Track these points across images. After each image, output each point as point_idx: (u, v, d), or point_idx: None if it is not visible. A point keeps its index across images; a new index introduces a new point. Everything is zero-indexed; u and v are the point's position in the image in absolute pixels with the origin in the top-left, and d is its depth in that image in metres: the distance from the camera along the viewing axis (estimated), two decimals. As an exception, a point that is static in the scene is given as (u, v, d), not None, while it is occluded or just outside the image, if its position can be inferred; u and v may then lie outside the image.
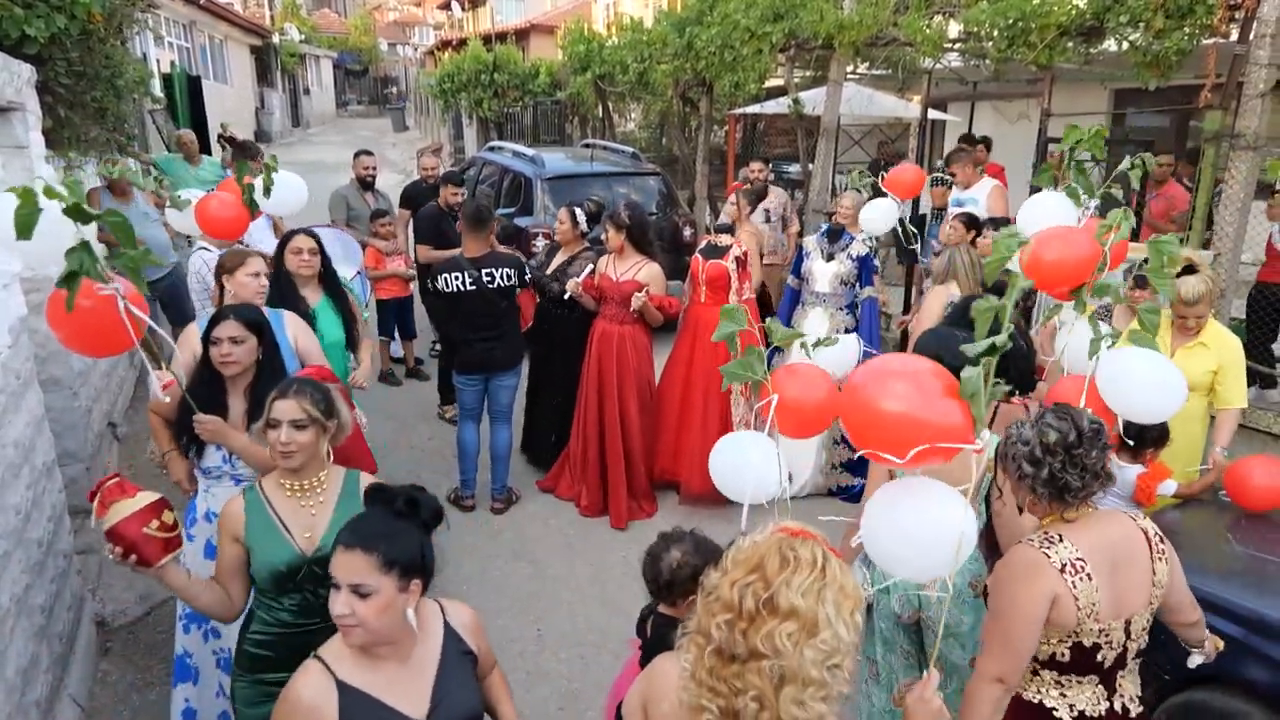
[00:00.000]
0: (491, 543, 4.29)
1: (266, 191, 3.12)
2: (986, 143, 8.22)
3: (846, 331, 4.85)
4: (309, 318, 3.41)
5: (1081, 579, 1.77)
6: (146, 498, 1.89)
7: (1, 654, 2.38)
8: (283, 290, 3.43)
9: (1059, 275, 2.35)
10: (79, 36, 3.93)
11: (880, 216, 4.73)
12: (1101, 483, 1.83)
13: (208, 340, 2.51)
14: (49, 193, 1.88)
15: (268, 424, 2.03)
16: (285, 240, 3.61)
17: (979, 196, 5.48)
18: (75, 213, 1.91)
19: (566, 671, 3.35)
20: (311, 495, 2.09)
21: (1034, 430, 1.85)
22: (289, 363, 2.96)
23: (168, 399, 2.39)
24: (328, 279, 3.67)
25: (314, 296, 3.61)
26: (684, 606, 1.95)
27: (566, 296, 4.45)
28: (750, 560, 1.34)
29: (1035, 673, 1.91)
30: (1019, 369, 2.46)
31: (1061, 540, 1.81)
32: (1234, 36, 4.25)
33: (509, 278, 4.31)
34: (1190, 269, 3.22)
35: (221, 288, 3.18)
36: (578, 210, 4.77)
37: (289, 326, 3.12)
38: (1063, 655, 1.85)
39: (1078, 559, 1.78)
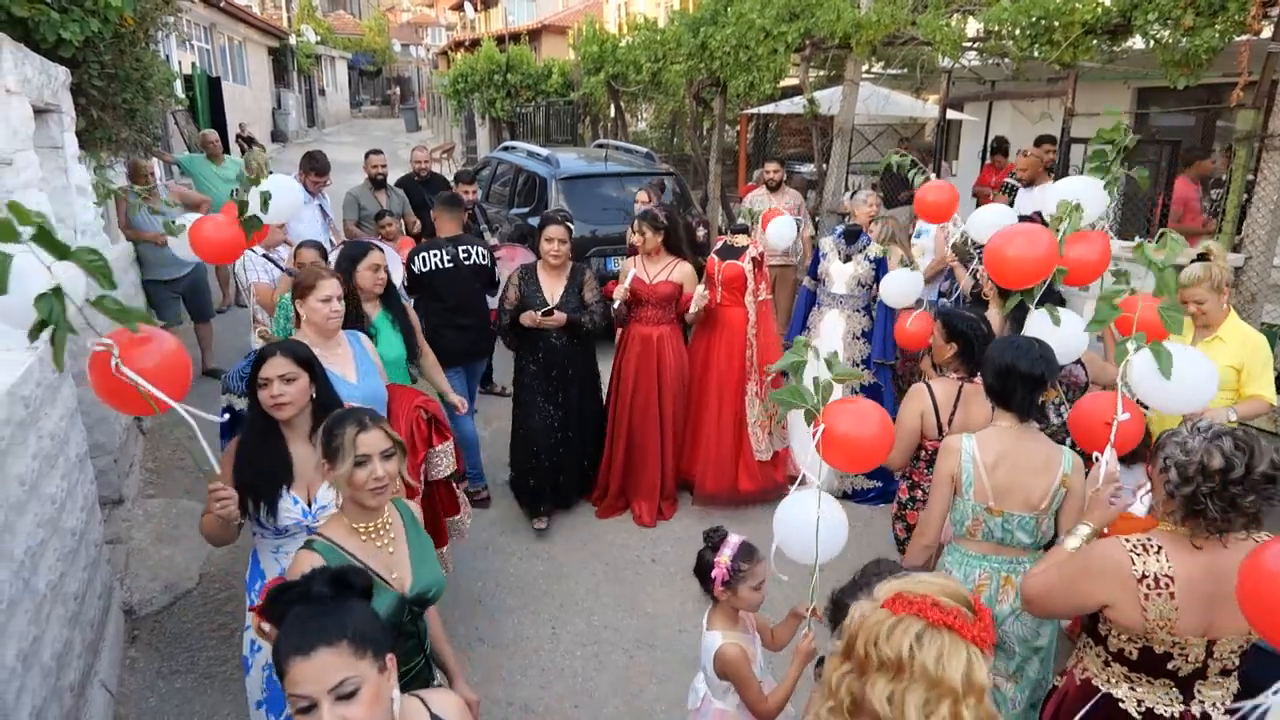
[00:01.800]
0: (508, 540, 4.32)
1: (265, 206, 2.88)
2: (1002, 143, 8.19)
3: (863, 334, 4.85)
4: (370, 335, 3.29)
5: (1159, 595, 1.71)
6: None
7: (38, 639, 2.44)
8: (349, 308, 3.21)
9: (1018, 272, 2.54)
10: (111, 40, 4.00)
11: (899, 291, 3.98)
12: (1245, 523, 1.70)
13: (254, 384, 2.25)
14: (22, 217, 1.60)
15: (356, 463, 1.84)
16: (355, 255, 3.47)
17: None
18: (46, 242, 1.63)
19: (581, 670, 3.37)
20: (384, 534, 1.95)
21: (1203, 444, 1.71)
22: (376, 387, 2.86)
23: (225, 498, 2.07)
24: (387, 292, 3.56)
25: (373, 310, 3.50)
26: None
27: (616, 305, 4.35)
28: (847, 639, 1.23)
29: (1107, 664, 1.90)
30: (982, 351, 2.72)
31: (1159, 552, 1.74)
32: (1267, 34, 4.19)
33: (483, 256, 4.56)
34: (1203, 256, 3.20)
35: (295, 314, 2.97)
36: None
37: (368, 345, 3.03)
38: (1131, 654, 1.83)
39: (1166, 576, 1.71)
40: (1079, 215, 2.58)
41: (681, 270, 4.42)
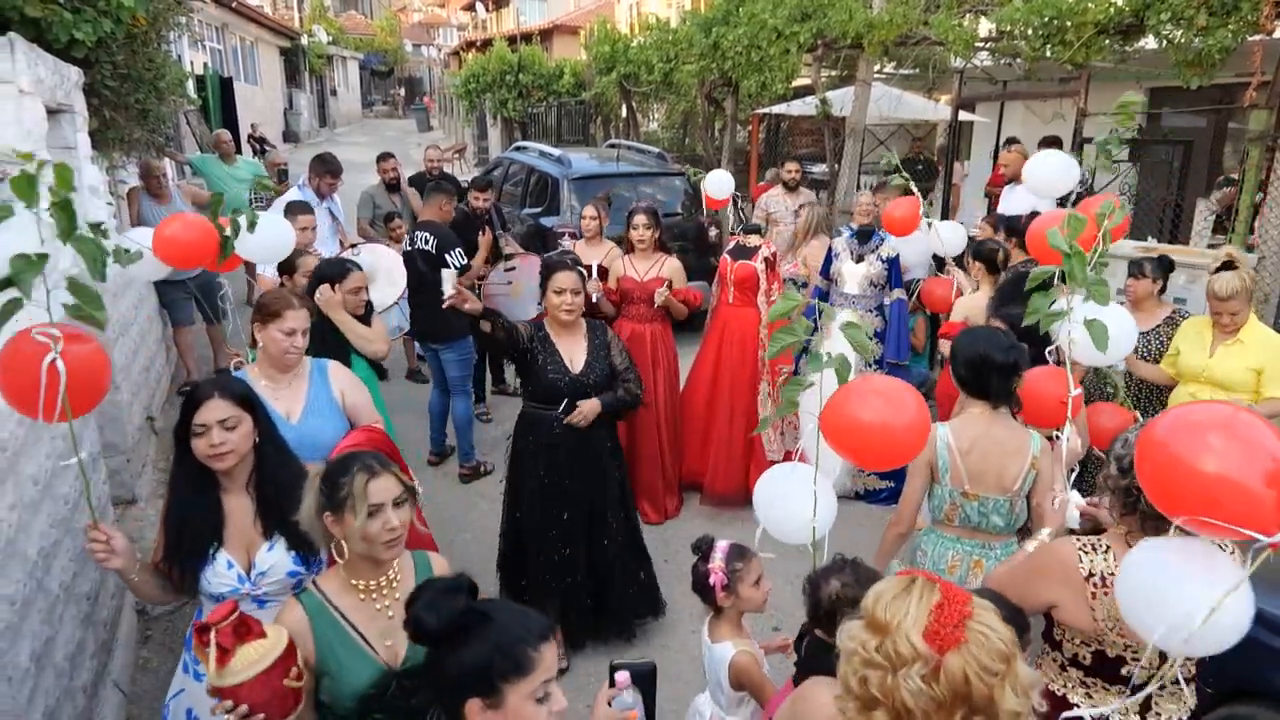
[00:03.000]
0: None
1: (251, 226, 2.58)
2: (1014, 144, 8.13)
3: (876, 334, 4.83)
4: (347, 358, 3.05)
5: (1107, 595, 1.72)
6: (280, 637, 1.51)
7: (51, 640, 2.45)
8: (321, 331, 2.95)
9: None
10: (124, 40, 4.02)
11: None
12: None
13: (184, 431, 1.92)
14: (62, 183, 1.60)
15: (369, 513, 1.64)
16: (332, 276, 3.25)
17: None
18: (62, 216, 1.62)
19: (595, 671, 3.36)
20: (387, 592, 1.72)
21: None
22: (337, 423, 2.55)
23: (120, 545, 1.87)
24: (367, 311, 3.37)
25: None
26: None
27: (596, 299, 4.28)
28: (950, 697, 1.16)
29: (1063, 668, 1.91)
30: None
31: (1107, 552, 1.78)
32: (1278, 34, 4.17)
33: (427, 241, 4.74)
34: (1229, 264, 3.19)
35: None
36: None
37: (335, 380, 2.66)
38: (1084, 658, 1.86)
39: (1112, 574, 1.73)
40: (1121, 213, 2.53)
41: (670, 265, 4.44)
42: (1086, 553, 1.78)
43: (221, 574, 1.94)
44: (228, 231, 2.56)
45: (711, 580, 2.16)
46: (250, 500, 1.99)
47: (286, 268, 3.47)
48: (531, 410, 3.25)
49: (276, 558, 1.97)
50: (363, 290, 3.30)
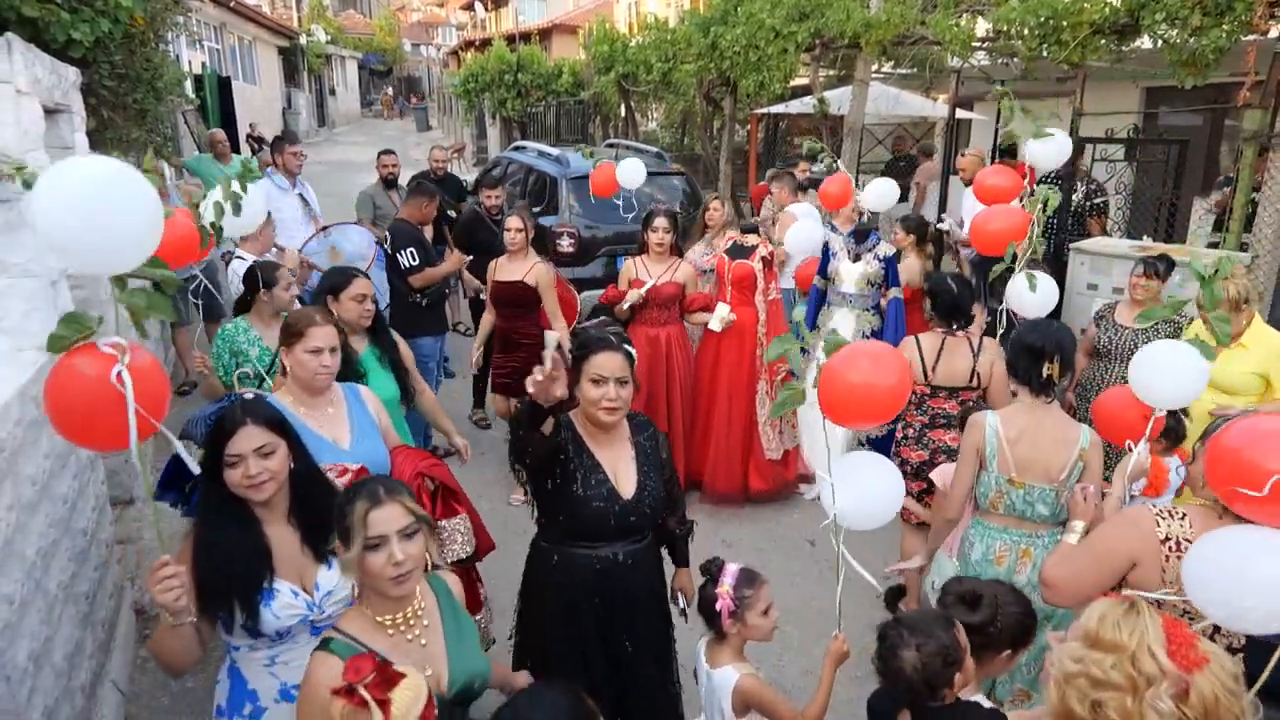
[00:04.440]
0: (514, 539, 4.32)
1: (236, 209, 2.47)
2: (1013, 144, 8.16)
3: (872, 333, 4.84)
4: (360, 377, 2.85)
5: (1179, 559, 1.77)
6: (417, 672, 1.46)
7: (50, 639, 2.46)
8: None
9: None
10: (122, 40, 4.03)
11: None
12: None
13: (214, 464, 1.80)
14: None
15: (366, 546, 1.55)
16: (337, 284, 3.08)
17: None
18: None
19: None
20: (416, 623, 1.63)
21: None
22: (376, 450, 2.40)
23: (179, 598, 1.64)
24: (375, 324, 3.17)
25: (359, 345, 3.06)
26: (952, 692, 1.72)
27: (628, 306, 4.35)
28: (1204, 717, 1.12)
29: None
30: (949, 305, 3.34)
31: (1184, 519, 1.82)
32: (1274, 33, 4.19)
33: (386, 239, 4.88)
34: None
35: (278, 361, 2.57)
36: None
37: (369, 402, 2.56)
38: None
39: (1186, 540, 1.78)
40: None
41: (684, 271, 4.45)
42: (1164, 518, 1.83)
43: (289, 604, 1.80)
44: (211, 218, 2.47)
45: (719, 606, 2.08)
46: (293, 528, 1.87)
47: (268, 281, 3.21)
48: (560, 549, 2.23)
49: (337, 576, 1.85)
50: (369, 298, 3.10)
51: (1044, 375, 2.48)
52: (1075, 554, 2.02)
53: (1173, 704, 1.06)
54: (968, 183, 5.60)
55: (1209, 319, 2.39)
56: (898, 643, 1.72)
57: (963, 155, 5.86)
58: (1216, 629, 1.83)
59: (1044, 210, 3.16)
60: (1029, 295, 3.12)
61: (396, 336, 3.34)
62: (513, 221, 4.48)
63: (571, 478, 2.14)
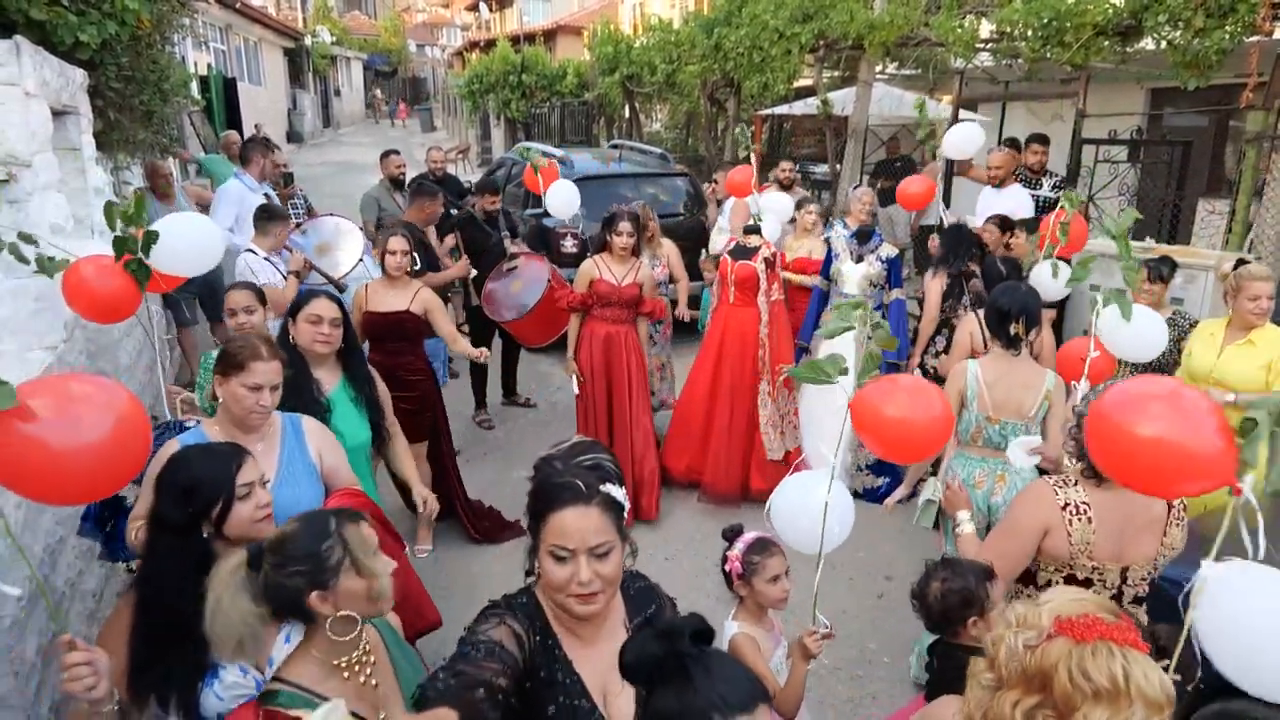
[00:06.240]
0: (514, 544, 4.34)
1: (148, 248, 2.30)
2: (1015, 144, 8.13)
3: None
4: (323, 412, 2.58)
5: (1080, 520, 2.02)
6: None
7: (57, 635, 2.48)
8: (296, 383, 2.45)
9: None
10: (128, 42, 4.06)
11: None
12: None
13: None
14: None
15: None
16: (297, 301, 2.79)
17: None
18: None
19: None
20: (365, 663, 1.48)
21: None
22: (313, 490, 2.19)
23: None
24: (347, 352, 2.80)
25: (330, 379, 2.74)
26: (966, 632, 1.96)
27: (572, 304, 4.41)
28: (1033, 674, 1.15)
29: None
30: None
31: (1076, 485, 2.07)
32: (1278, 35, 4.18)
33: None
34: (1243, 261, 3.28)
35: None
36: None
37: (311, 438, 2.27)
38: (1057, 583, 2.09)
39: (1083, 502, 2.03)
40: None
41: (644, 272, 4.46)
42: (1060, 487, 2.08)
43: (236, 682, 1.58)
44: (138, 257, 2.30)
45: (727, 567, 2.25)
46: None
47: (212, 315, 3.14)
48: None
49: (293, 647, 1.51)
50: (326, 321, 2.72)
51: (1011, 333, 2.92)
52: (993, 540, 2.22)
53: (1022, 646, 1.14)
54: (999, 183, 5.46)
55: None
56: (933, 574, 2.03)
57: (992, 152, 5.65)
58: (1120, 588, 2.07)
59: (1070, 207, 3.39)
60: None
61: (374, 373, 2.96)
62: (395, 243, 3.79)
63: (540, 708, 1.35)
